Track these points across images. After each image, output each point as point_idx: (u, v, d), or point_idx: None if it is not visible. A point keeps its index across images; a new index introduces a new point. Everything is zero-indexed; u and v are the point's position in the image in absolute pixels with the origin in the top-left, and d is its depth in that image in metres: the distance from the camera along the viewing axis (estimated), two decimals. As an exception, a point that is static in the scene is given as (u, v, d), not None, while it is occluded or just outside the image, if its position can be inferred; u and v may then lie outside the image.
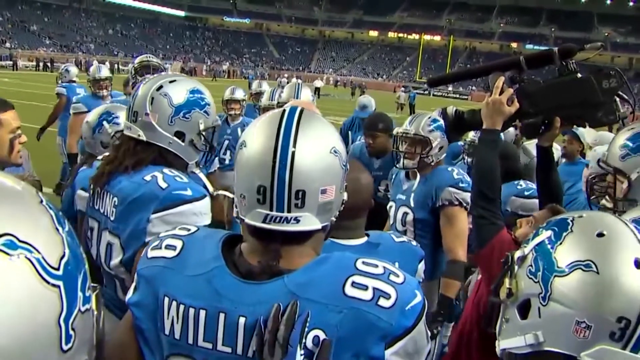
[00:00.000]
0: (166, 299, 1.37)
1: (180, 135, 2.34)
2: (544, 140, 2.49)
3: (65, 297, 0.81)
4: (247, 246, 1.41)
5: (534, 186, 3.82)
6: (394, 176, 4.20)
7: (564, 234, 1.30)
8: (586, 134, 5.24)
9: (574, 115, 2.34)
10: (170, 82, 2.34)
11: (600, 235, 1.26)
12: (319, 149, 1.34)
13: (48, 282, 0.78)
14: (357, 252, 1.43)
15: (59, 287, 0.80)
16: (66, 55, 60.19)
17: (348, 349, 1.25)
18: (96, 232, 2.40)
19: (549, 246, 1.31)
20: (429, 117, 3.74)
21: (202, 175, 2.53)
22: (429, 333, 1.40)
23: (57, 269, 0.80)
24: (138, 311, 1.43)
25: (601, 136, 4.92)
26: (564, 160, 5.42)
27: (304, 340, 1.22)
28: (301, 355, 1.20)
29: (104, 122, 3.36)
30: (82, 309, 0.85)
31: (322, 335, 1.24)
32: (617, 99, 2.24)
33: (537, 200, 3.66)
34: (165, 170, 2.25)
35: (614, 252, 1.23)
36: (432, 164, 3.73)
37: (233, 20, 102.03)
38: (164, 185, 2.18)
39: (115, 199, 2.26)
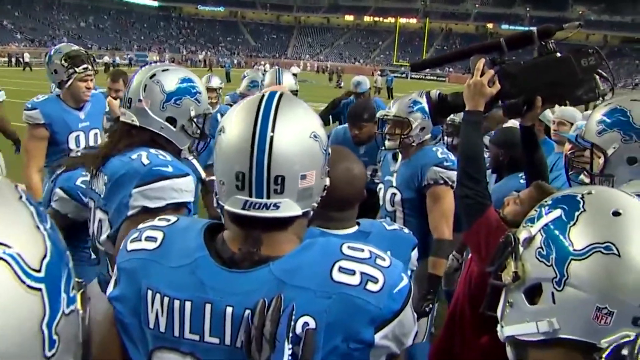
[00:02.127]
0: (149, 292, 1.34)
1: (172, 121, 2.47)
2: (526, 120, 2.52)
3: (48, 301, 0.76)
4: (229, 234, 1.39)
5: None
6: (382, 158, 4.23)
7: (576, 213, 1.23)
8: (548, 111, 5.25)
9: (555, 94, 2.37)
10: (163, 70, 2.49)
11: (617, 214, 1.19)
12: (298, 134, 1.32)
13: (28, 286, 0.73)
14: (348, 240, 1.41)
15: (40, 290, 0.75)
16: (39, 50, 59.23)
17: (338, 333, 1.24)
18: (92, 212, 2.50)
19: (561, 227, 1.23)
20: (410, 99, 3.79)
21: (194, 161, 2.65)
22: (416, 315, 1.40)
23: (39, 271, 0.75)
24: (120, 306, 1.40)
25: (562, 111, 4.94)
26: None
27: (293, 327, 1.22)
28: (289, 349, 1.20)
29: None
30: (67, 311, 0.81)
31: (311, 322, 1.23)
32: (597, 77, 2.28)
33: None
34: (152, 150, 2.36)
35: (633, 232, 1.16)
36: (414, 144, 3.76)
37: (207, 9, 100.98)
38: (146, 162, 2.28)
39: (105, 177, 2.36)
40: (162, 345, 1.34)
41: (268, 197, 1.30)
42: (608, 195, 1.27)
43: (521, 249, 1.31)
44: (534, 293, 1.26)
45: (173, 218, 1.49)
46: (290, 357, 1.19)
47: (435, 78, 64.60)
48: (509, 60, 2.41)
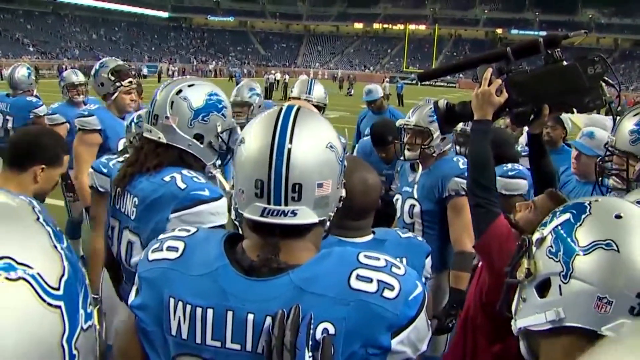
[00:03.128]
0: (172, 300, 1.39)
1: (199, 137, 2.44)
2: (534, 128, 2.54)
3: (67, 317, 0.80)
4: (248, 242, 1.45)
5: (520, 167, 3.82)
6: (399, 168, 4.14)
7: (583, 216, 1.36)
8: (574, 118, 5.24)
9: (562, 102, 2.39)
10: (189, 86, 2.44)
11: (618, 217, 1.32)
12: (315, 145, 1.38)
13: (49, 304, 0.77)
14: (364, 249, 1.46)
15: (60, 307, 0.79)
16: (51, 62, 59.78)
17: (357, 340, 1.29)
18: (117, 231, 2.50)
19: (568, 228, 1.37)
20: (430, 108, 3.64)
21: (219, 176, 2.62)
22: (430, 322, 1.45)
23: (58, 289, 0.79)
24: (142, 314, 1.45)
25: (592, 119, 4.92)
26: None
27: (314, 334, 1.27)
28: (310, 357, 1.24)
29: (132, 124, 3.51)
30: (85, 326, 0.85)
31: (330, 328, 1.28)
32: (603, 84, 2.30)
33: (520, 180, 3.69)
34: (184, 171, 2.34)
35: (632, 232, 1.29)
36: (435, 154, 3.68)
37: (217, 19, 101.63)
38: (182, 185, 2.27)
39: (136, 199, 2.36)
40: (184, 352, 1.39)
41: (286, 204, 1.36)
42: (612, 202, 1.42)
43: (534, 248, 1.43)
44: (543, 287, 1.37)
45: (193, 229, 1.55)
46: None
47: (445, 84, 64.47)
48: (515, 69, 2.43)
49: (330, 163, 1.41)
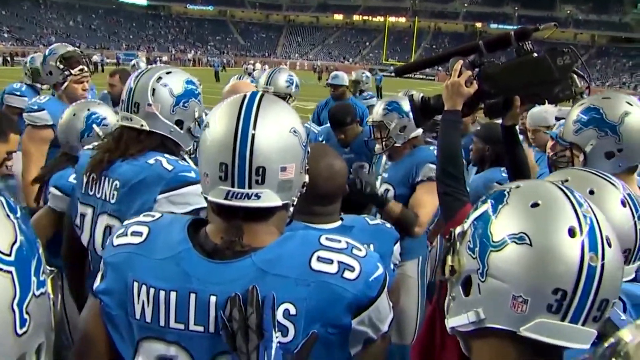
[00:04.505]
0: (135, 284, 1.40)
1: (179, 123, 2.47)
2: (507, 120, 2.56)
3: (18, 282, 0.81)
4: (212, 226, 1.47)
5: None
6: (376, 159, 4.24)
7: (500, 206, 1.26)
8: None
9: (533, 94, 2.42)
10: (167, 73, 2.46)
11: (535, 205, 1.21)
12: (278, 129, 1.41)
13: (0, 268, 0.79)
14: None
15: (10, 272, 0.81)
16: (26, 49, 58.86)
17: (317, 320, 1.32)
18: (90, 218, 2.47)
19: (485, 221, 1.27)
20: (386, 101, 3.82)
21: (191, 162, 2.60)
22: (391, 304, 1.49)
23: (9, 255, 0.81)
24: (107, 298, 1.46)
25: (532, 113, 4.84)
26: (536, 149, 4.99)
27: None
28: (276, 337, 1.26)
29: (94, 126, 3.17)
30: (37, 293, 0.86)
31: (292, 309, 1.30)
32: (574, 75, 2.32)
33: None
34: (166, 155, 2.37)
35: (547, 222, 1.18)
36: (397, 144, 3.73)
37: (196, 8, 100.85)
38: (169, 167, 2.29)
39: (117, 182, 2.33)
40: (148, 335, 1.40)
41: (250, 187, 1.38)
42: (533, 188, 1.29)
43: (458, 243, 1.33)
44: (467, 285, 1.27)
45: (157, 214, 1.56)
46: (277, 344, 1.26)
47: (424, 77, 64.73)
48: (488, 61, 2.45)
49: (294, 147, 1.43)
